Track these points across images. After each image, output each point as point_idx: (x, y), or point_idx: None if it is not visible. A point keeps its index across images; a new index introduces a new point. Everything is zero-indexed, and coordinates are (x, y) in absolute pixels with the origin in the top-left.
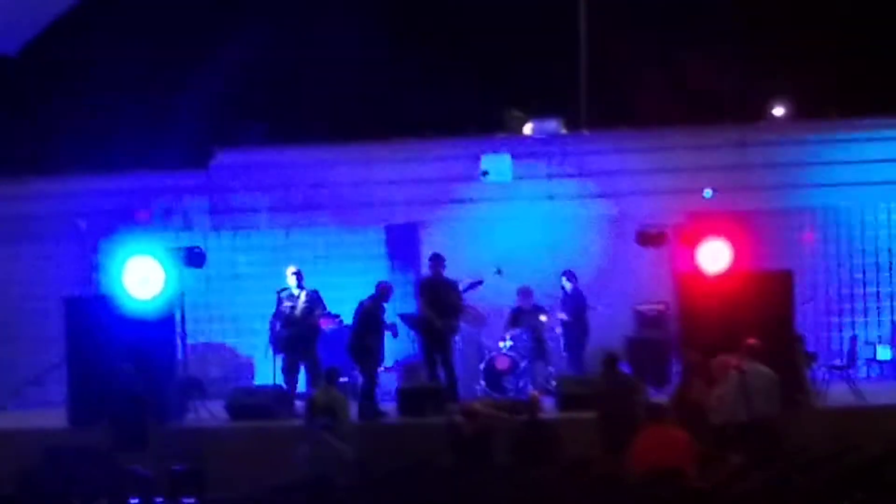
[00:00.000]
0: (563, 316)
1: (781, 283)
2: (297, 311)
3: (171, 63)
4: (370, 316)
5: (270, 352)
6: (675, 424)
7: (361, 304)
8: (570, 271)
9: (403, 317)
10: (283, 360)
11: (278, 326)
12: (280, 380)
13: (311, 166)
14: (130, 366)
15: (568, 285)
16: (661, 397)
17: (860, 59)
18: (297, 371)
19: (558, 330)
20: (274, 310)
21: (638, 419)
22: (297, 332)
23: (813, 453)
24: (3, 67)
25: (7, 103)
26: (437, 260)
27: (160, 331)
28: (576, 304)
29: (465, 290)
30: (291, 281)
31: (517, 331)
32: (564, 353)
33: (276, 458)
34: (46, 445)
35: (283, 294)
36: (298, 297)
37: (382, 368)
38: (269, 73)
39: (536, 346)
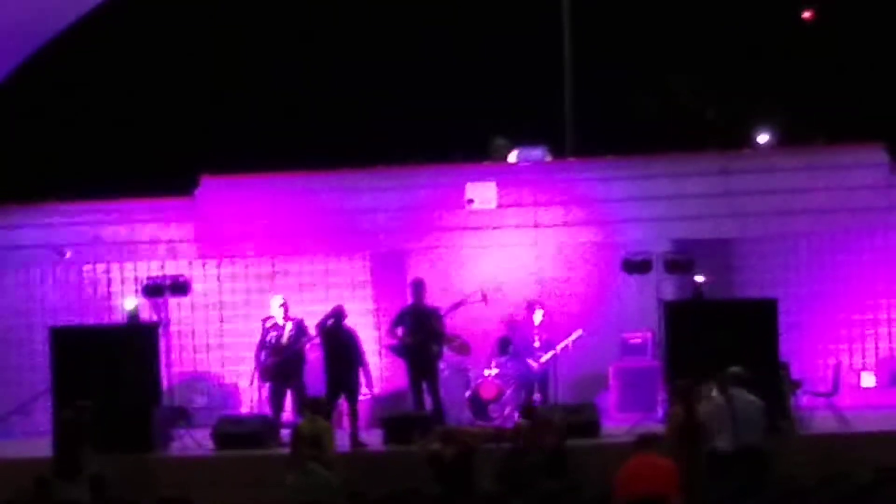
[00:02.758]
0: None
1: (766, 310)
2: (283, 340)
3: (156, 90)
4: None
5: (256, 381)
6: (664, 453)
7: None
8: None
9: (389, 345)
10: (270, 388)
11: (264, 356)
12: (266, 408)
13: (296, 194)
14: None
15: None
16: (649, 425)
17: (844, 86)
18: (284, 399)
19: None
20: (258, 339)
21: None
22: (283, 361)
23: (800, 481)
24: None
25: None
26: (418, 287)
27: (145, 360)
28: None
29: (448, 313)
30: (277, 312)
31: (503, 359)
32: None
33: (263, 486)
34: (34, 475)
35: (268, 324)
36: (284, 326)
37: (367, 395)
38: (256, 101)
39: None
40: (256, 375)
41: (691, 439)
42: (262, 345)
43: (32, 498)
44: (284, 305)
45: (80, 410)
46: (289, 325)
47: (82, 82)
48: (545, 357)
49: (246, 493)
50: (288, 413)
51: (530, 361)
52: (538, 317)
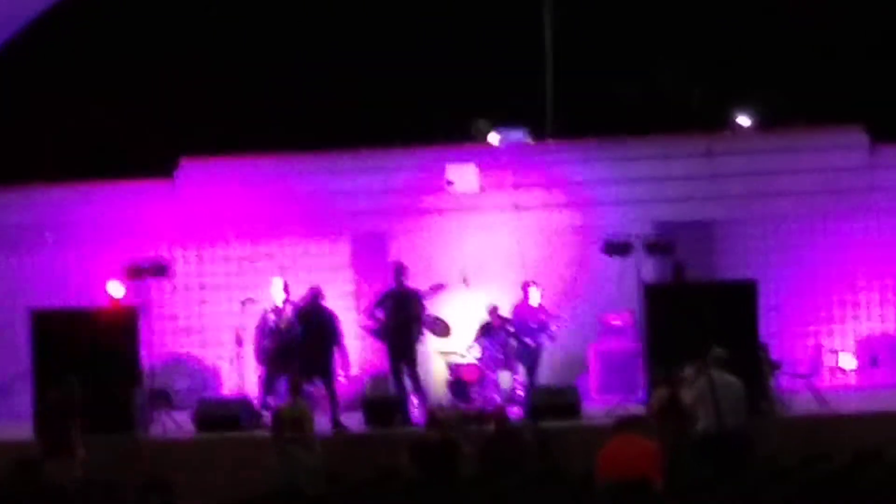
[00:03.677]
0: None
1: (746, 292)
2: (282, 325)
3: (137, 71)
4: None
5: (255, 364)
6: (648, 434)
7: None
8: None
9: (368, 327)
10: (265, 371)
11: (263, 339)
12: (256, 391)
13: (276, 176)
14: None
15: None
16: (629, 406)
17: (825, 68)
18: (277, 383)
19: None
20: (257, 323)
21: None
22: (280, 345)
23: (781, 463)
24: None
25: None
26: (399, 270)
27: (126, 342)
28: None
29: (428, 296)
30: (278, 293)
31: (485, 341)
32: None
33: (244, 468)
34: (16, 457)
35: (268, 306)
36: (284, 309)
37: (343, 378)
38: (235, 82)
39: (504, 356)
40: (255, 359)
41: (674, 421)
42: (262, 328)
43: (16, 480)
44: (286, 288)
45: (66, 387)
46: (288, 309)
47: (62, 64)
48: (554, 326)
49: (227, 475)
50: (278, 396)
51: (527, 340)
52: (533, 295)
